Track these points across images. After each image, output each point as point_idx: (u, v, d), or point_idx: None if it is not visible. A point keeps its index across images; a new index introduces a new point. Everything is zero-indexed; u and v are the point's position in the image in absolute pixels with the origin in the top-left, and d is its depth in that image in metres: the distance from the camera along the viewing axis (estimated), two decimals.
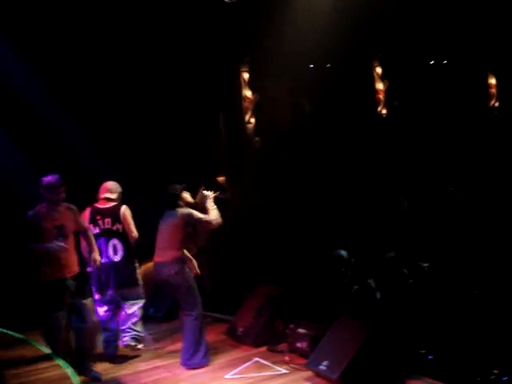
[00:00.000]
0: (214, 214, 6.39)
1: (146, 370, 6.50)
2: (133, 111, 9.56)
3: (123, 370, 6.49)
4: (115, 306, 6.79)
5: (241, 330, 7.17)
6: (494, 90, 8.89)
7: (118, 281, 6.70)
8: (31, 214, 5.76)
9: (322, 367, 5.62)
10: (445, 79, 8.00)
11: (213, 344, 6.81)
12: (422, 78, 8.52)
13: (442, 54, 8.60)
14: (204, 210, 6.42)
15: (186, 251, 6.43)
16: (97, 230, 6.61)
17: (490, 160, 7.45)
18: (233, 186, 9.34)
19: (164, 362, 6.68)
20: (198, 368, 6.30)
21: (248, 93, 9.47)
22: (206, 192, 6.55)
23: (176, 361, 6.53)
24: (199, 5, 8.31)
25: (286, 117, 9.21)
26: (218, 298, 8.25)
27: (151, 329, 7.47)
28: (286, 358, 6.33)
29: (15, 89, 8.90)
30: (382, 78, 9.25)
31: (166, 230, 6.39)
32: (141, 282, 6.92)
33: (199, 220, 6.33)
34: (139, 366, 6.67)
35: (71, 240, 5.90)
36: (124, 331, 6.85)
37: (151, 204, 6.77)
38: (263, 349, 6.79)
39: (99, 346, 6.70)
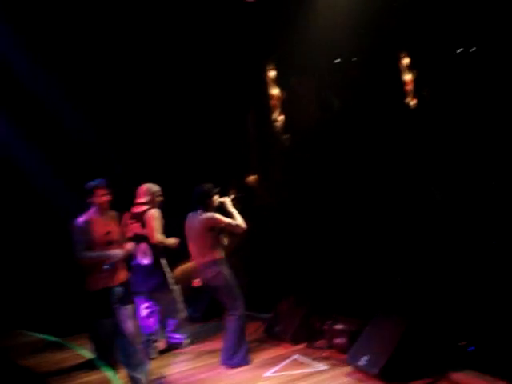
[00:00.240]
0: (238, 218, 6.40)
1: (186, 371, 6.57)
2: (163, 114, 9.69)
3: (163, 371, 6.55)
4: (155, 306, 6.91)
5: (278, 327, 7.18)
6: None
7: (149, 285, 6.80)
8: (82, 221, 5.58)
9: (362, 362, 5.61)
10: (474, 67, 7.89)
11: (251, 342, 6.82)
12: (450, 67, 8.42)
13: (469, 42, 8.49)
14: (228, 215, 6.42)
15: (220, 252, 6.44)
16: (129, 235, 6.71)
17: None
18: (263, 185, 9.36)
19: (203, 362, 6.73)
20: (238, 367, 6.33)
21: (275, 90, 9.45)
22: (221, 199, 6.51)
23: (216, 360, 6.57)
24: (222, 4, 8.35)
25: (314, 113, 9.17)
26: (254, 297, 8.27)
27: (190, 329, 7.51)
28: (325, 355, 6.34)
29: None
30: (410, 68, 9.16)
31: (194, 234, 6.41)
32: (173, 285, 6.97)
33: (225, 224, 6.31)
34: (179, 366, 6.74)
35: (119, 246, 5.72)
36: (163, 333, 6.96)
37: (183, 205, 6.78)
38: (302, 346, 6.80)
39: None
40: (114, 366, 6.48)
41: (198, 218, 6.32)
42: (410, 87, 8.90)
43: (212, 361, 6.66)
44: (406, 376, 5.30)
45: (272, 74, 9.45)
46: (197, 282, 6.62)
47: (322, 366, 6.08)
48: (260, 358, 6.61)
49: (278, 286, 8.09)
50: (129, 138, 9.75)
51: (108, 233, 5.58)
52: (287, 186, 8.94)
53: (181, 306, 7.15)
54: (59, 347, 8.15)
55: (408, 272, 6.58)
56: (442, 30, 8.17)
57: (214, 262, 6.31)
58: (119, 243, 5.73)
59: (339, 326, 6.41)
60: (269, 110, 9.48)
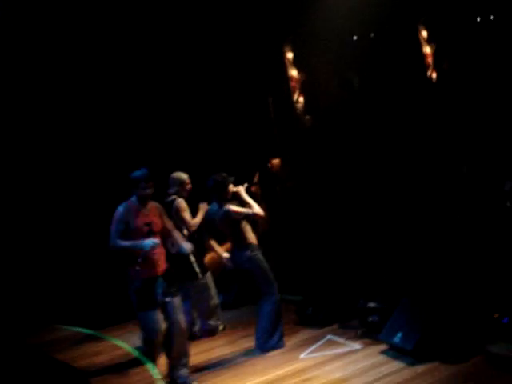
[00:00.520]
0: (254, 206, 6.38)
1: (221, 356, 6.61)
2: (184, 100, 9.71)
3: (198, 358, 6.56)
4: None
5: (311, 308, 7.20)
6: None
7: (178, 275, 6.82)
8: (122, 211, 5.53)
9: (396, 339, 5.61)
10: (494, 36, 7.76)
11: (284, 325, 6.77)
12: (470, 37, 8.30)
13: (487, 10, 8.34)
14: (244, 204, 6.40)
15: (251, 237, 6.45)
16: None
17: None
18: (286, 168, 9.35)
19: (239, 347, 6.77)
20: (274, 350, 6.35)
21: (294, 72, 9.41)
22: (235, 188, 6.45)
23: (251, 345, 6.60)
24: None
25: (335, 92, 9.12)
26: (284, 280, 8.29)
27: (222, 315, 7.55)
28: (358, 334, 6.34)
29: None
30: (429, 41, 9.03)
31: (220, 224, 6.45)
32: (200, 274, 6.96)
33: (242, 215, 6.31)
34: (214, 352, 6.78)
35: (159, 238, 5.63)
36: (197, 321, 7.02)
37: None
38: (335, 326, 6.81)
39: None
40: (155, 357, 6.47)
41: (219, 211, 6.34)
42: (429, 60, 8.79)
43: (247, 345, 6.70)
44: (441, 351, 5.28)
45: (290, 55, 9.40)
46: (229, 265, 6.65)
47: (355, 345, 6.09)
48: (294, 340, 6.63)
49: (308, 268, 8.09)
50: (149, 126, 9.82)
51: (148, 224, 5.52)
52: (310, 169, 8.92)
53: (211, 293, 7.18)
54: (95, 339, 8.25)
55: (438, 247, 6.55)
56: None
57: (246, 247, 6.34)
58: (161, 234, 5.69)
59: (372, 305, 6.39)
60: (289, 92, 9.44)
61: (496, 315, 5.51)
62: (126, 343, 7.67)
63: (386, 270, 6.83)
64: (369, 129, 8.20)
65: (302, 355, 6.13)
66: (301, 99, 9.45)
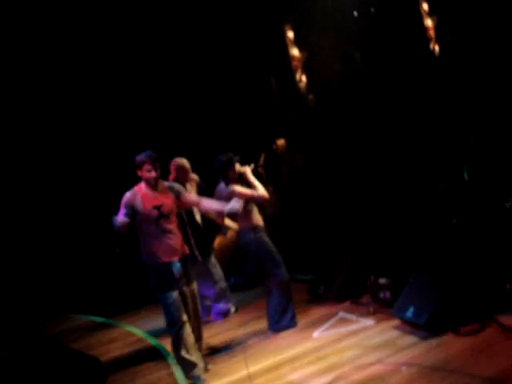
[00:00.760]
0: (259, 188, 6.32)
1: (233, 338, 6.63)
2: (187, 82, 9.70)
3: (211, 340, 6.60)
4: None
5: (321, 287, 7.20)
6: None
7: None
8: (127, 194, 5.42)
9: (409, 314, 5.60)
10: (496, 6, 7.67)
11: (295, 304, 6.79)
12: (471, 8, 8.21)
13: None
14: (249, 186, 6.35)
15: (257, 219, 6.44)
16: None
17: None
18: (291, 149, 9.31)
19: (251, 328, 6.78)
20: (286, 330, 6.37)
21: (295, 51, 9.34)
22: (242, 168, 6.39)
23: (263, 326, 6.62)
24: None
25: (337, 69, 9.05)
26: (294, 259, 8.29)
27: (233, 297, 7.57)
28: (371, 309, 6.34)
29: None
30: (430, 13, 8.94)
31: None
32: (200, 258, 6.94)
33: (247, 196, 6.19)
34: (226, 334, 6.80)
35: (174, 220, 5.53)
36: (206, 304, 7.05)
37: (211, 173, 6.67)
38: (346, 303, 6.83)
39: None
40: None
41: (224, 191, 6.29)
42: (431, 33, 8.71)
43: (259, 326, 6.71)
44: (454, 323, 5.28)
45: (290, 34, 9.33)
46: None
47: (368, 322, 6.09)
48: (306, 319, 6.65)
49: (318, 247, 8.08)
50: (153, 108, 9.82)
51: (157, 207, 5.41)
52: (316, 148, 8.88)
53: (218, 275, 7.19)
54: (109, 327, 8.30)
55: (448, 220, 6.52)
56: None
57: (252, 229, 6.33)
58: (178, 215, 5.62)
59: (383, 280, 6.39)
60: (291, 72, 9.39)
61: (508, 286, 5.50)
62: (140, 329, 7.71)
63: (396, 245, 6.82)
64: (373, 104, 8.13)
65: (316, 334, 6.13)
66: (303, 78, 9.39)
